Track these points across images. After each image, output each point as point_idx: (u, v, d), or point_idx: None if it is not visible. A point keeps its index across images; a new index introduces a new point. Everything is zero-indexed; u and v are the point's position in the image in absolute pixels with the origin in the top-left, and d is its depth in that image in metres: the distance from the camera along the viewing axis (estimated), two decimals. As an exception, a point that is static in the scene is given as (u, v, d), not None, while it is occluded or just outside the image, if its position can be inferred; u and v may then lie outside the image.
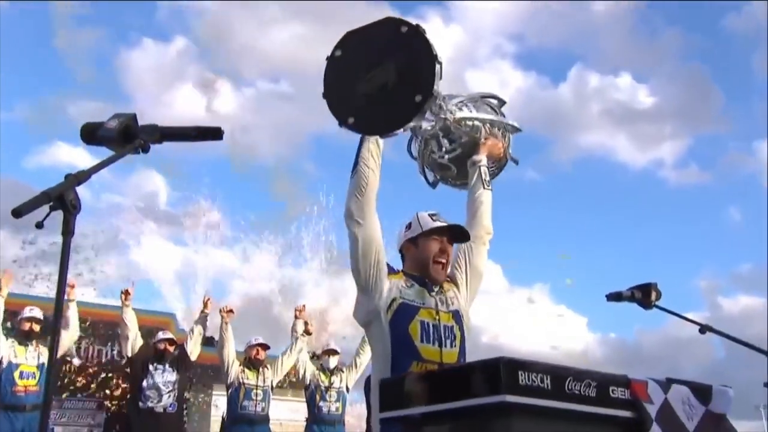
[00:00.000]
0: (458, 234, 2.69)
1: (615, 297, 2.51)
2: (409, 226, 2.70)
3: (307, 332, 6.94)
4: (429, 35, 2.21)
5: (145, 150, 1.49)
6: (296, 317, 7.15)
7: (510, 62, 38.53)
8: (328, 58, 2.48)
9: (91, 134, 1.48)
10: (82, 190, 1.31)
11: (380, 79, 2.23)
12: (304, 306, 7.35)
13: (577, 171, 32.71)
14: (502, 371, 1.57)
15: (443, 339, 2.47)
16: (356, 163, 2.52)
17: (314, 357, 7.81)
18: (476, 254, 2.78)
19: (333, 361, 7.11)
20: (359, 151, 2.54)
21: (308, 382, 6.96)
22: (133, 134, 1.48)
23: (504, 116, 3.06)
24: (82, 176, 1.30)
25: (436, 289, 2.59)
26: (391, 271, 2.56)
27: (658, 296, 2.53)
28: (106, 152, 1.46)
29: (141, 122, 1.53)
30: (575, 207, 33.18)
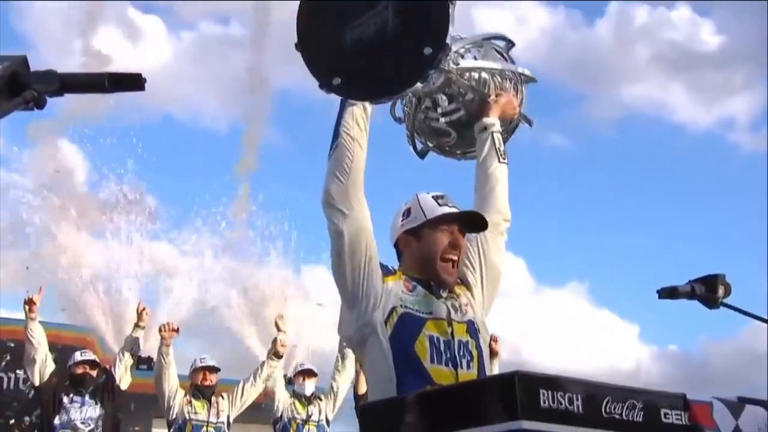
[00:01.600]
0: (473, 222, 2.69)
1: (669, 293, 2.52)
2: (407, 213, 2.69)
3: (276, 354, 6.94)
4: None
5: (40, 105, 1.48)
6: (278, 328, 7.16)
7: (530, -7, 38.31)
8: None
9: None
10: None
11: (375, 24, 2.20)
12: (281, 316, 7.38)
13: (619, 135, 32.75)
14: (518, 389, 1.58)
15: (458, 358, 2.49)
16: (336, 135, 2.52)
17: (287, 382, 7.85)
18: (492, 247, 2.80)
19: (310, 386, 7.17)
20: (340, 119, 2.54)
21: (280, 414, 7.02)
22: (23, 83, 1.46)
23: (513, 62, 3.06)
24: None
25: (445, 294, 2.60)
26: (386, 271, 2.57)
27: (727, 291, 2.55)
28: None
29: (35, 68, 1.51)
30: (618, 182, 33.17)
